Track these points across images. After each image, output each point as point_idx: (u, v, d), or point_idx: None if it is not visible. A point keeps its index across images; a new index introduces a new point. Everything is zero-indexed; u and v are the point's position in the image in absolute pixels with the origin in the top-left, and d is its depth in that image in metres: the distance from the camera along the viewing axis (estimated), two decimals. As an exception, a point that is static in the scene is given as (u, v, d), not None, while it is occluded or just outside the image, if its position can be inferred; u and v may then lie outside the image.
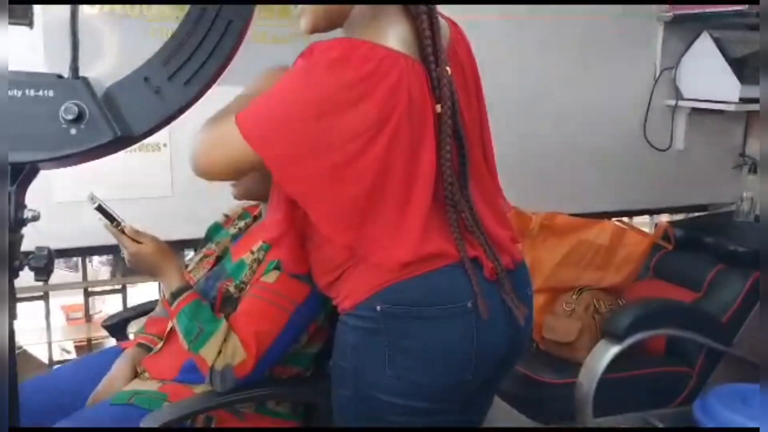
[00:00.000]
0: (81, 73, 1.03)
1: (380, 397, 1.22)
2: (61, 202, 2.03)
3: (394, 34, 1.17)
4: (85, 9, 2.09)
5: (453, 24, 1.32)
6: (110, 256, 3.02)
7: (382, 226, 1.18)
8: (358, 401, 1.25)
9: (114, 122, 0.96)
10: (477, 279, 1.20)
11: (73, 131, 0.94)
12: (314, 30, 1.26)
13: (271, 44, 2.27)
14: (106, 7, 2.12)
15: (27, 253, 1.01)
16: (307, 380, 1.53)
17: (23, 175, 0.98)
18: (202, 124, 1.25)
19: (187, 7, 1.03)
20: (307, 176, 1.15)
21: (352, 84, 1.11)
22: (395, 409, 1.22)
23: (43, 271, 0.99)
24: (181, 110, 1.01)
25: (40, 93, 0.94)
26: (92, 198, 1.42)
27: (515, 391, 2.22)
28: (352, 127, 1.12)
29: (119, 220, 1.44)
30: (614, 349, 2.13)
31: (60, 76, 0.98)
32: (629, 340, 2.14)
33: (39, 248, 0.99)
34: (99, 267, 3.32)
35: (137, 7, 2.14)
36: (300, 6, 1.26)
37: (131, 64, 1.05)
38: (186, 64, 0.98)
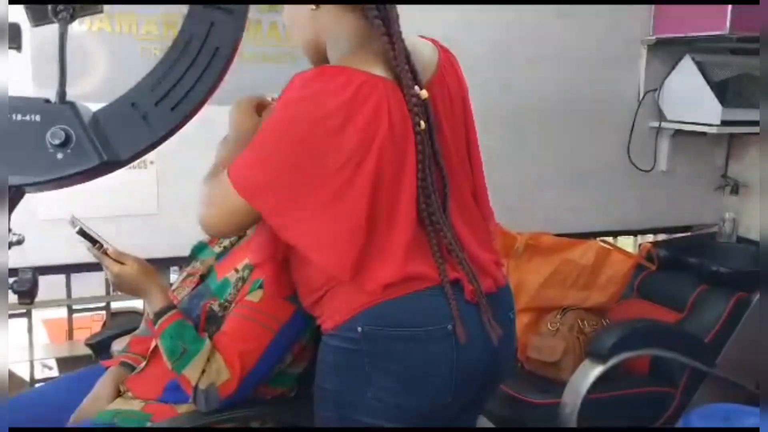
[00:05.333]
0: (68, 92, 1.03)
1: (361, 419, 1.22)
2: (46, 220, 2.03)
3: (375, 58, 1.20)
4: (74, 27, 2.10)
5: (444, 50, 1.33)
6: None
7: (369, 249, 1.19)
8: (340, 423, 1.25)
9: (100, 147, 0.97)
10: (457, 302, 1.21)
11: (59, 156, 0.94)
12: (310, 59, 1.31)
13: (261, 63, 2.29)
14: (96, 26, 2.12)
15: (12, 271, 1.00)
16: (291, 401, 1.53)
17: (8, 198, 0.98)
18: (202, 182, 1.27)
19: (176, 27, 1.04)
20: (301, 219, 1.16)
21: (331, 114, 1.12)
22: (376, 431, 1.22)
23: (27, 294, 0.98)
24: (168, 135, 1.01)
25: (27, 117, 0.95)
26: (73, 221, 1.41)
27: (500, 411, 2.22)
28: (337, 157, 1.14)
29: (101, 241, 1.43)
30: (598, 369, 2.15)
31: (47, 101, 0.99)
32: (613, 360, 2.15)
33: (23, 270, 0.99)
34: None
35: (127, 25, 2.15)
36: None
37: (119, 83, 1.06)
38: (173, 89, 0.99)
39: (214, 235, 1.27)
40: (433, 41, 1.33)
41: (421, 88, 1.20)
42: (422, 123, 1.19)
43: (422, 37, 1.34)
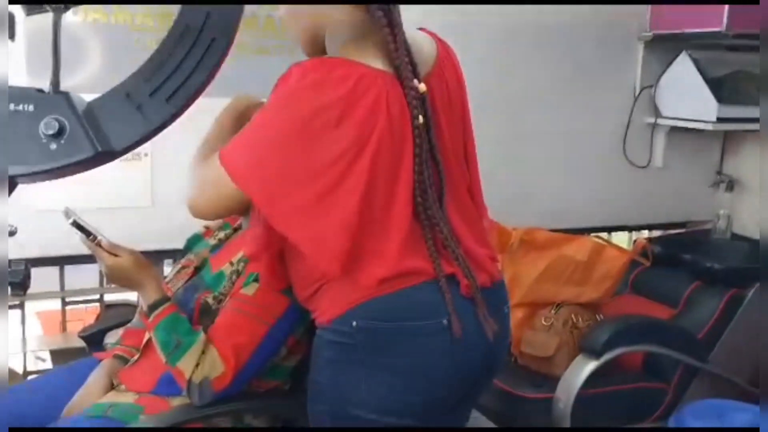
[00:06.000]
0: (62, 82, 1.02)
1: (356, 413, 1.22)
2: (42, 210, 2.02)
3: (374, 50, 1.19)
4: (68, 17, 2.08)
5: (442, 44, 1.32)
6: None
7: (364, 244, 1.18)
8: (334, 417, 1.25)
9: (94, 137, 0.96)
10: (452, 296, 1.21)
11: (53, 146, 0.94)
12: (306, 52, 1.30)
13: (255, 55, 2.28)
14: (90, 16, 2.11)
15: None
16: (285, 394, 1.53)
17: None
18: (191, 164, 1.26)
19: (172, 18, 1.03)
20: (294, 209, 1.15)
21: (330, 105, 1.12)
22: (371, 425, 1.22)
23: (20, 286, 0.98)
24: (163, 126, 1.01)
25: (20, 107, 0.94)
26: (67, 213, 1.41)
27: (493, 406, 2.23)
28: (334, 150, 1.13)
29: (95, 234, 1.43)
30: (591, 365, 2.16)
31: (41, 91, 0.98)
32: (606, 356, 2.16)
33: (16, 262, 0.98)
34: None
35: (122, 16, 2.14)
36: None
37: (114, 74, 1.05)
38: (168, 80, 0.98)
39: (201, 218, 1.26)
40: (432, 34, 1.33)
41: (419, 82, 1.19)
42: (420, 117, 1.18)
43: (421, 29, 1.33)
